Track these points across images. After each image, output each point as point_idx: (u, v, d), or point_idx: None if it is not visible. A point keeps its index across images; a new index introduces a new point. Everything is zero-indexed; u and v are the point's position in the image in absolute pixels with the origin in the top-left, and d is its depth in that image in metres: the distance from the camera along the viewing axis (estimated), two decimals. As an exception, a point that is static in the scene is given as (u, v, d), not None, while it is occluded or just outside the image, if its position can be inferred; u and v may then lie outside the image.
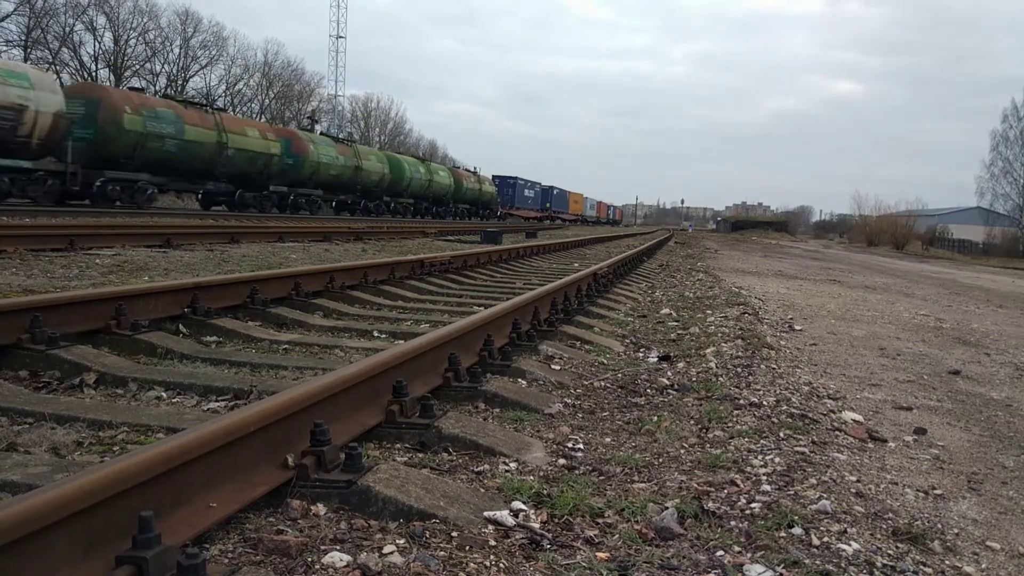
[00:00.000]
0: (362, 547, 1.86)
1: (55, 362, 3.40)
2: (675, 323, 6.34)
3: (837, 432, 3.31)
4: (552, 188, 69.79)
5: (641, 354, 4.91)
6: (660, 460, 2.74)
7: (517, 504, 2.21)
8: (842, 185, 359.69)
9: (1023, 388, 4.89)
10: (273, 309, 5.23)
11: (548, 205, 67.31)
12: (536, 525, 2.09)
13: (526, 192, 62.46)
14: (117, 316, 4.02)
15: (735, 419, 3.26)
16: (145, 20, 50.61)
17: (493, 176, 60.48)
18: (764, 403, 3.55)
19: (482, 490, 2.34)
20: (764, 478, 2.54)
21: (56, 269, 7.15)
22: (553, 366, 4.17)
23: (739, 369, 4.32)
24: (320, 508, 2.05)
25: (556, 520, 2.14)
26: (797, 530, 2.14)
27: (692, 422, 3.24)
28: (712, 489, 2.42)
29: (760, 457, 2.76)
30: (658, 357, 4.74)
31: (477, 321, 4.01)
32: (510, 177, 62.18)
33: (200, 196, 26.84)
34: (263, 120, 50.40)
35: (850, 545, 2.07)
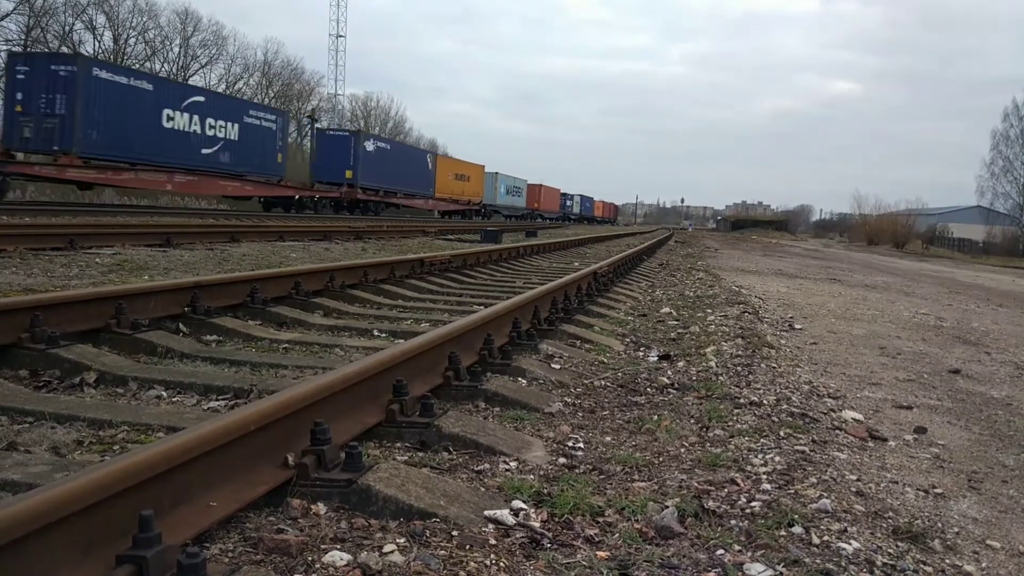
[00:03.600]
0: (362, 546, 1.86)
1: (55, 361, 3.40)
2: (675, 322, 6.33)
3: (837, 431, 3.31)
4: (377, 141, 36.88)
5: (641, 353, 4.91)
6: (660, 459, 2.73)
7: (517, 503, 2.21)
8: (842, 184, 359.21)
9: (1023, 387, 4.89)
10: (273, 308, 5.23)
11: (349, 174, 32.98)
12: (536, 524, 2.09)
13: (209, 125, 25.07)
14: (117, 315, 4.02)
15: (735, 418, 3.26)
16: (145, 19, 50.63)
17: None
18: (764, 402, 3.55)
19: (482, 489, 2.33)
20: (764, 477, 2.54)
21: (56, 268, 7.15)
22: (553, 365, 4.17)
23: (739, 368, 4.32)
24: (320, 507, 2.05)
25: (556, 519, 2.14)
26: (797, 529, 2.14)
27: (692, 421, 3.24)
28: (712, 488, 2.42)
29: (760, 456, 2.76)
30: (658, 356, 4.74)
31: (477, 320, 4.01)
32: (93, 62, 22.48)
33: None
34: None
35: (850, 544, 2.07)
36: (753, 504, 2.30)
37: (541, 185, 65.10)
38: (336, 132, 36.57)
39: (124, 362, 3.60)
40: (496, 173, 54.47)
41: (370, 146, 35.11)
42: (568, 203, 75.95)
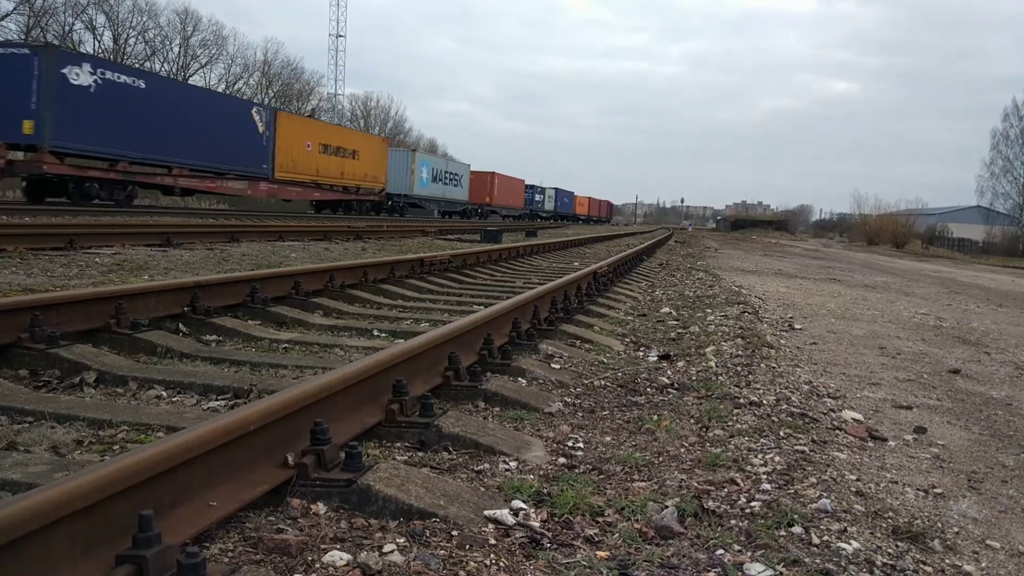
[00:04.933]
0: (362, 546, 1.86)
1: (55, 361, 3.40)
2: (675, 322, 6.33)
3: (837, 431, 3.31)
4: (106, 69, 18.75)
5: (641, 353, 4.91)
6: (660, 459, 2.73)
7: (517, 503, 2.21)
8: (842, 184, 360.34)
9: (1023, 387, 4.89)
10: (273, 308, 5.23)
11: (29, 128, 16.36)
12: (536, 524, 2.09)
13: None
14: (117, 315, 4.02)
15: (735, 418, 3.26)
16: (145, 19, 50.67)
17: None
18: (764, 402, 3.55)
19: (482, 489, 2.33)
20: (764, 477, 2.54)
21: (56, 268, 7.15)
22: (553, 365, 4.16)
23: (739, 368, 4.32)
24: (320, 507, 2.05)
25: (556, 519, 2.14)
26: (797, 529, 2.14)
27: (692, 421, 3.24)
28: (712, 488, 2.42)
29: (760, 456, 2.76)
30: (658, 356, 4.74)
31: (477, 320, 4.01)
32: None
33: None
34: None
35: (850, 544, 2.07)
36: (753, 504, 2.30)
37: (494, 173, 50.13)
38: (5, 50, 18.48)
39: (124, 362, 3.59)
40: (414, 151, 40.88)
41: (82, 77, 17.91)
42: (537, 198, 59.69)
